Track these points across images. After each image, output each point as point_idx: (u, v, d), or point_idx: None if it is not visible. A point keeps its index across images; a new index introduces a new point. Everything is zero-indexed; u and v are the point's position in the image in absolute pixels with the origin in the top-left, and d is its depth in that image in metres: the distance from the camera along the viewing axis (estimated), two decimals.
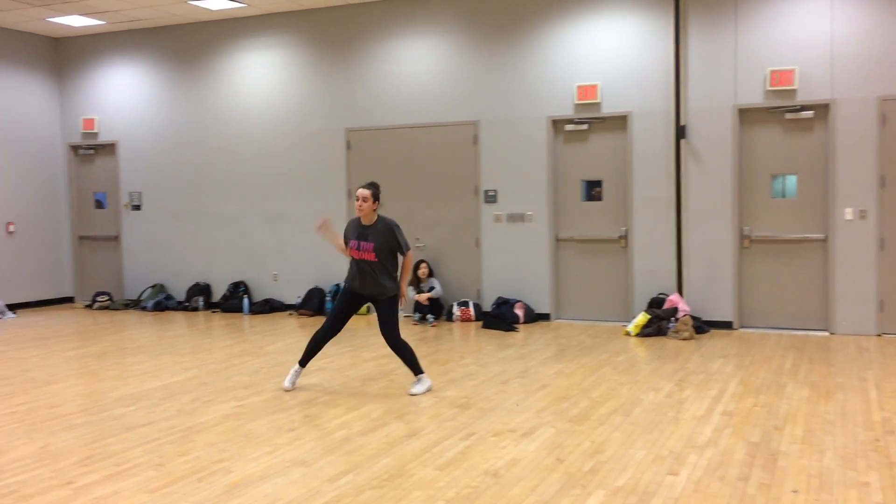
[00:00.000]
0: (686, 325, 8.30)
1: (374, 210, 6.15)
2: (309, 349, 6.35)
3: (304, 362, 6.39)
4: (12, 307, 11.27)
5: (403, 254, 6.22)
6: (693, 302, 8.94)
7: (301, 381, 6.61)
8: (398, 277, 6.29)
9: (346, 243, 6.23)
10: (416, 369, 6.23)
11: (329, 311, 6.33)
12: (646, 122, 9.10)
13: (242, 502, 4.00)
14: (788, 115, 8.60)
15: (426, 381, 6.24)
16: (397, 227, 6.17)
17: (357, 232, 6.16)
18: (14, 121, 11.56)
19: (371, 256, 6.09)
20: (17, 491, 4.21)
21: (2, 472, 4.52)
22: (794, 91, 8.53)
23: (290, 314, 10.64)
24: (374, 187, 6.15)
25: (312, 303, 10.42)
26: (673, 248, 9.05)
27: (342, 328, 6.34)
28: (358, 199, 6.10)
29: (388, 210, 10.25)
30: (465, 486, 4.17)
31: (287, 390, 6.31)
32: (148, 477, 4.40)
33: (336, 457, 4.68)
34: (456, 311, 9.70)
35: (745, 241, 8.85)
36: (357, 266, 6.18)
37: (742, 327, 8.87)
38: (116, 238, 12.04)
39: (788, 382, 6.34)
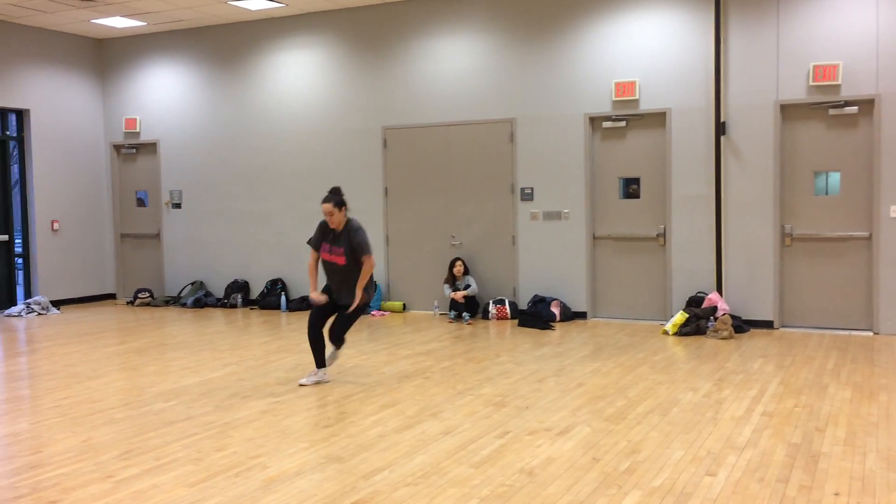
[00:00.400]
0: (725, 324, 8.19)
1: (344, 216, 6.30)
2: (314, 351, 6.45)
3: (320, 364, 6.48)
4: (56, 303, 11.51)
5: (361, 256, 6.29)
6: (733, 301, 8.81)
7: (337, 377, 6.66)
8: (365, 284, 6.37)
9: (318, 246, 6.39)
10: (321, 363, 6.46)
11: (310, 312, 6.50)
12: (685, 118, 8.99)
13: (278, 497, 4.04)
14: (832, 111, 8.43)
15: (320, 376, 6.46)
16: (362, 230, 6.32)
17: (329, 236, 6.32)
18: (59, 121, 11.79)
19: (341, 260, 6.26)
20: (59, 483, 4.30)
21: (45, 465, 4.61)
22: (837, 86, 8.36)
23: None
24: (334, 197, 6.25)
25: None
26: (712, 247, 8.93)
27: (328, 317, 6.46)
28: (325, 215, 6.26)
29: (425, 208, 10.31)
30: (500, 484, 4.16)
31: (307, 385, 6.42)
32: (186, 471, 4.46)
33: (371, 454, 4.69)
34: (492, 308, 9.68)
35: (787, 240, 8.70)
36: (327, 269, 6.37)
37: (783, 327, 8.72)
38: (157, 236, 12.22)
39: (830, 383, 6.22)
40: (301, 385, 6.38)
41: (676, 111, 9.02)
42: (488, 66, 9.91)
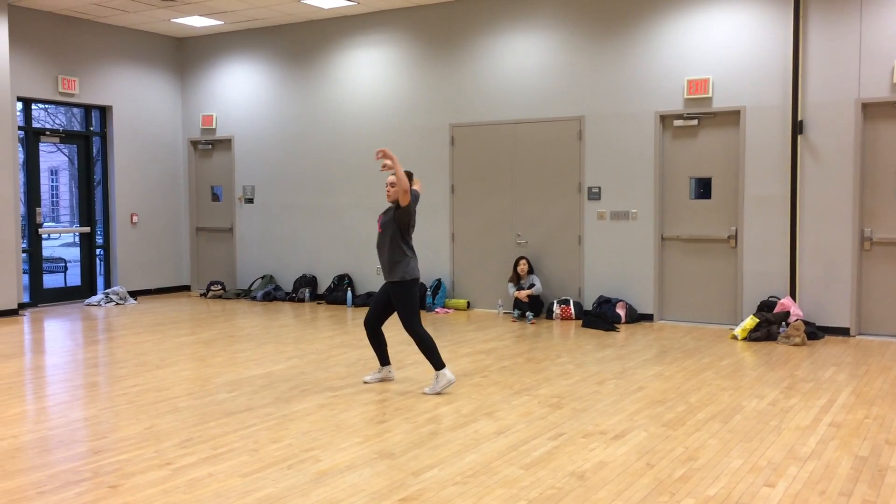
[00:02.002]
0: (798, 330, 7.91)
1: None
2: (374, 348, 6.39)
3: (383, 361, 6.45)
4: (133, 294, 11.90)
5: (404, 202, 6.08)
6: (807, 306, 8.51)
7: (396, 374, 6.69)
8: (408, 264, 6.10)
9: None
10: (438, 364, 6.08)
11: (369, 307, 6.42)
12: (760, 117, 8.71)
13: (327, 491, 4.07)
14: None
15: (445, 378, 6.07)
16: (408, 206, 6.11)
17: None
18: (140, 117, 12.19)
19: (379, 228, 6.23)
20: (120, 469, 4.43)
21: (108, 450, 4.77)
22: None
23: None
24: (407, 172, 6.28)
25: None
26: (786, 249, 8.63)
27: (385, 315, 6.31)
28: (387, 185, 6.23)
29: (491, 205, 10.27)
30: (549, 486, 4.11)
31: (367, 382, 6.42)
32: (241, 461, 4.54)
33: (423, 450, 4.70)
34: (556, 308, 9.59)
35: (866, 244, 8.35)
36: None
37: (860, 334, 8.38)
38: (230, 230, 12.52)
39: None
40: (365, 382, 6.41)
41: (751, 109, 8.75)
42: (557, 62, 9.81)
